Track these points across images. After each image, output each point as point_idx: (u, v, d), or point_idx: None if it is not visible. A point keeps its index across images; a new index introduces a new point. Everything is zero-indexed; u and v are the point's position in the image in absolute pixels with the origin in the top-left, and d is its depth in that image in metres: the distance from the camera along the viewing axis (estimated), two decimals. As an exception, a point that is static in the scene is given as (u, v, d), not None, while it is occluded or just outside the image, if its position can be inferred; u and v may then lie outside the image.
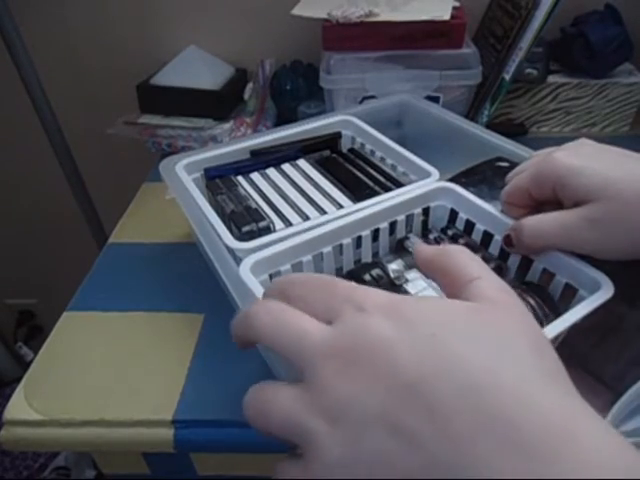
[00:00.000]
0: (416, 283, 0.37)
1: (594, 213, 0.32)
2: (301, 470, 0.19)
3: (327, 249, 0.40)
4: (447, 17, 0.63)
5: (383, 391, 0.18)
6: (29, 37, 0.76)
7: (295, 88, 0.78)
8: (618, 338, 0.37)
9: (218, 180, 0.49)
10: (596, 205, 0.32)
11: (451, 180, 0.45)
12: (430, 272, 0.25)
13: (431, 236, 0.44)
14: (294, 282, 0.24)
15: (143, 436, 0.39)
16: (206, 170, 0.50)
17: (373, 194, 0.44)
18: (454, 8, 0.66)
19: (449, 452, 0.17)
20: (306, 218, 0.43)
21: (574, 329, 0.34)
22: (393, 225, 0.44)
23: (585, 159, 0.33)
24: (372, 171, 0.49)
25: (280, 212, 0.44)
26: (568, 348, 0.39)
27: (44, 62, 0.81)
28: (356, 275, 0.39)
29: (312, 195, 0.46)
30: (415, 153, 0.49)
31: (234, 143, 0.52)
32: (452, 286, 0.23)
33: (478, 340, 0.19)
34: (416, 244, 0.26)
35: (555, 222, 0.34)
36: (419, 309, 0.20)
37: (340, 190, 0.47)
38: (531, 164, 0.37)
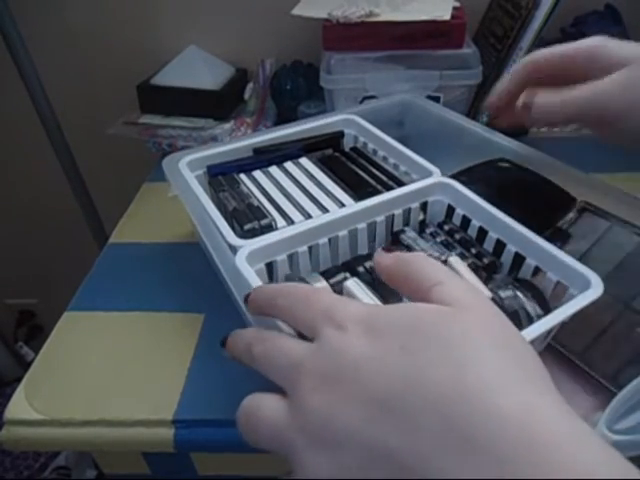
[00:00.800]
0: None
1: (628, 77, 0.33)
2: None
3: (323, 240, 0.41)
4: (447, 17, 0.63)
5: (356, 409, 0.19)
6: (29, 37, 0.76)
7: (295, 88, 0.78)
8: (613, 337, 0.38)
9: (221, 177, 0.49)
10: (631, 68, 0.33)
11: (451, 178, 0.45)
12: (392, 282, 0.25)
13: (428, 230, 0.44)
14: (282, 293, 0.25)
15: (143, 436, 0.39)
16: (209, 167, 0.50)
17: (375, 193, 0.44)
18: (454, 8, 0.66)
19: (419, 466, 0.17)
20: (308, 216, 0.43)
21: (569, 328, 0.35)
22: (391, 219, 0.44)
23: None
24: (374, 170, 0.49)
25: (282, 210, 0.44)
26: (564, 347, 0.39)
27: (44, 62, 0.81)
28: (350, 267, 0.40)
29: (314, 193, 0.46)
30: (417, 152, 0.49)
31: (237, 141, 0.52)
32: (416, 293, 0.23)
33: (444, 347, 0.19)
34: (376, 253, 0.26)
35: (589, 88, 0.34)
36: (391, 320, 0.21)
37: (342, 189, 0.47)
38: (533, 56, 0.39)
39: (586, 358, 0.38)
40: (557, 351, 0.39)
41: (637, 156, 0.64)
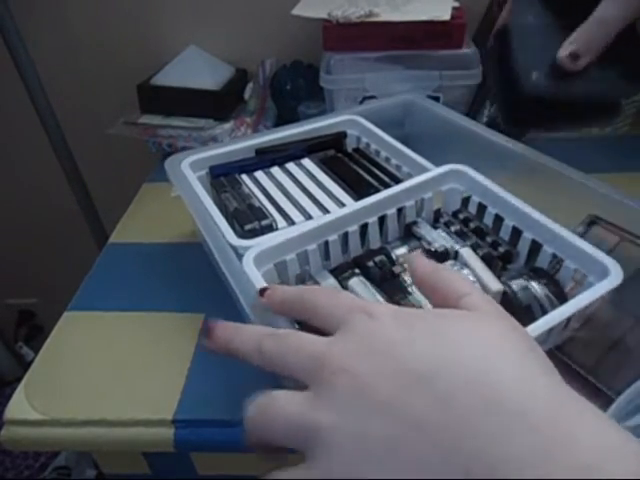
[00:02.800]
0: None
1: None
2: (304, 471, 0.19)
3: (333, 237, 0.40)
4: (447, 17, 0.63)
5: (390, 379, 0.19)
6: (30, 37, 0.76)
7: (295, 88, 0.78)
8: (624, 352, 0.37)
9: (223, 178, 0.49)
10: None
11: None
12: (422, 289, 0.27)
13: (442, 220, 0.43)
14: (308, 290, 0.26)
15: (143, 436, 0.39)
16: (211, 168, 0.50)
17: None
18: (454, 8, 0.66)
19: (451, 443, 0.17)
20: (309, 217, 0.43)
21: (580, 342, 0.34)
22: (403, 211, 0.44)
23: None
24: (377, 171, 0.49)
25: (283, 211, 0.44)
26: (574, 360, 0.38)
27: (44, 62, 0.81)
28: (360, 262, 0.39)
29: (316, 194, 0.46)
30: (418, 152, 0.49)
31: (239, 141, 0.52)
32: (444, 302, 0.24)
33: (478, 339, 0.20)
34: (414, 255, 0.28)
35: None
36: (421, 315, 0.22)
37: (344, 190, 0.47)
38: None
39: (597, 372, 0.37)
40: (567, 364, 0.38)
41: (637, 156, 0.65)
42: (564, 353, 0.38)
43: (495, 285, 0.34)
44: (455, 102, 0.67)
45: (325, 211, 0.44)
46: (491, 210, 0.42)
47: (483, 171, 0.44)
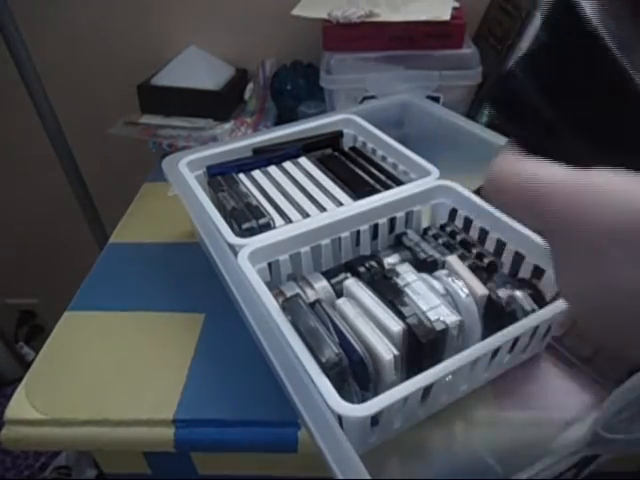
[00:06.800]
0: (406, 276, 0.37)
1: None
2: None
3: (325, 241, 0.41)
4: (447, 17, 0.63)
5: None
6: (30, 37, 0.76)
7: (295, 88, 0.78)
8: None
9: (220, 177, 0.49)
10: None
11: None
12: None
13: (430, 232, 0.45)
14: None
15: (144, 435, 0.39)
16: (208, 167, 0.50)
17: (374, 192, 0.45)
18: (454, 8, 0.66)
19: None
20: (306, 215, 0.43)
21: (577, 335, 0.35)
22: (393, 221, 0.45)
23: None
24: (373, 169, 0.50)
25: (280, 209, 0.45)
26: (571, 353, 0.39)
27: (45, 62, 0.81)
28: (352, 266, 0.40)
29: (313, 193, 0.47)
30: (416, 152, 0.49)
31: (237, 141, 0.52)
32: None
33: None
34: None
35: None
36: None
37: (341, 188, 0.47)
38: None
39: (593, 363, 0.38)
40: (566, 356, 0.40)
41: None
42: (562, 345, 0.39)
43: (481, 290, 0.36)
44: (455, 102, 0.67)
45: (322, 209, 0.44)
46: (477, 223, 0.43)
47: (481, 171, 0.45)
